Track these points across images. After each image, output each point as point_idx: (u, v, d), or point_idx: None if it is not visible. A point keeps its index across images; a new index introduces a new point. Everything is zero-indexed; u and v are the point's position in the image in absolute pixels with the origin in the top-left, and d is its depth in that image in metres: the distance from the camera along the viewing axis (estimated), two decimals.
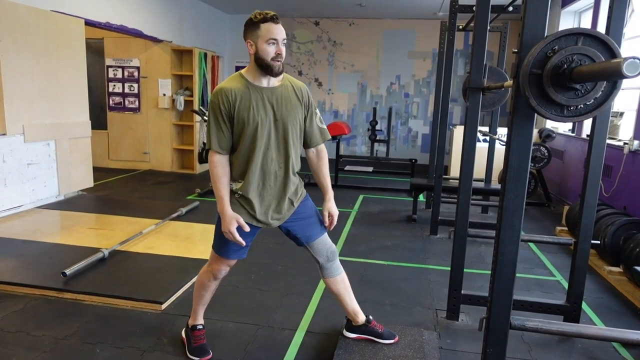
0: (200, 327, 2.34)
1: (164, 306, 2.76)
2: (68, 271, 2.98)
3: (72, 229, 4.07)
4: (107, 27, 5.65)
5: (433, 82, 8.65)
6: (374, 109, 8.95)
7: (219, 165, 2.02)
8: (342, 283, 2.32)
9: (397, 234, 4.49)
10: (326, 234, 2.27)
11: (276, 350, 2.39)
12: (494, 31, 5.37)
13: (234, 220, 1.99)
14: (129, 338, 2.43)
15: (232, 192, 2.07)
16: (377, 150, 9.24)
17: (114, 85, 7.32)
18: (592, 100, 1.41)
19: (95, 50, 7.37)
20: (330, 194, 2.23)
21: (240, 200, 2.08)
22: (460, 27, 4.78)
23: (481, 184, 5.14)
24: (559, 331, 1.78)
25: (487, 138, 5.60)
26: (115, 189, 5.93)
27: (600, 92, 1.40)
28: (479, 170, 5.64)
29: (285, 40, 1.99)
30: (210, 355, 2.28)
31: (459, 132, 7.05)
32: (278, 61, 1.95)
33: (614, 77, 1.21)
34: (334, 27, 9.12)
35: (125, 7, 5.90)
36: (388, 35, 8.95)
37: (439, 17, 8.03)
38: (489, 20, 2.60)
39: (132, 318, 2.64)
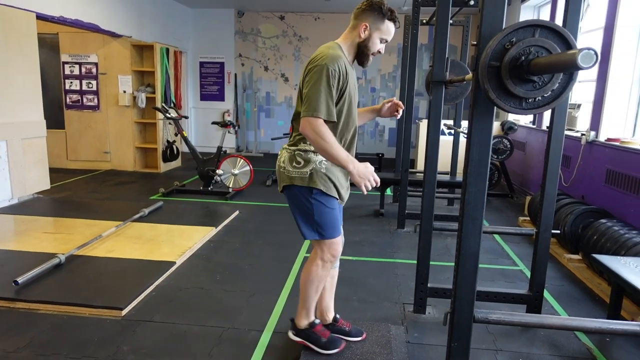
0: (319, 321, 2.27)
1: (124, 312, 2.65)
2: (20, 279, 2.82)
3: (26, 234, 3.87)
4: (61, 21, 5.39)
5: (399, 77, 8.70)
6: None
7: (329, 133, 1.85)
8: (332, 278, 2.32)
9: (365, 228, 4.49)
10: None
11: (242, 352, 2.33)
12: (456, 25, 5.43)
13: (368, 164, 1.92)
14: (86, 347, 2.31)
15: (324, 162, 1.98)
16: None
17: (71, 83, 7.02)
18: (550, 92, 1.41)
19: (49, 46, 7.04)
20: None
21: (328, 174, 1.98)
22: (424, 21, 4.81)
23: (446, 177, 5.21)
24: (521, 322, 1.80)
25: (452, 131, 5.67)
26: (74, 191, 5.69)
27: (558, 84, 1.40)
28: (445, 163, 5.71)
29: None
30: (345, 343, 2.28)
31: (424, 126, 7.12)
32: (373, 56, 2.01)
33: (569, 69, 1.21)
34: (299, 21, 9.04)
35: (81, 0, 5.65)
36: None
37: (404, 12, 8.06)
38: (450, 14, 2.60)
39: (90, 326, 2.52)
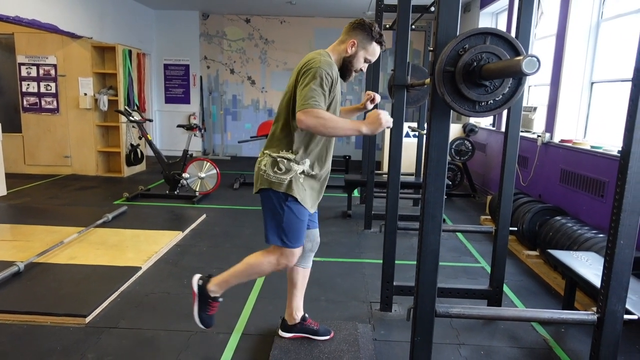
0: (222, 300, 2.29)
1: (88, 319, 2.59)
2: None
3: None
4: (17, 21, 5.20)
5: (365, 80, 8.83)
6: None
7: (327, 113, 1.88)
8: (304, 278, 2.38)
9: (333, 230, 4.55)
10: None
11: (211, 355, 2.32)
12: (419, 30, 5.58)
13: (372, 112, 1.93)
14: (49, 357, 2.25)
15: (302, 173, 2.05)
16: None
17: (28, 85, 6.77)
18: (501, 96, 1.49)
19: (4, 47, 6.79)
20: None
21: (305, 184, 2.06)
22: (387, 26, 4.92)
23: (411, 178, 5.33)
24: (480, 315, 1.88)
25: (416, 133, 5.81)
26: (32, 197, 5.49)
27: (508, 88, 1.48)
28: (410, 164, 5.85)
29: None
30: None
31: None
32: (355, 73, 2.10)
33: (516, 74, 1.29)
34: (265, 24, 9.04)
35: (38, 0, 5.47)
36: (319, 33, 9.02)
37: (368, 16, 8.21)
38: (410, 20, 2.69)
39: (53, 335, 2.45)
